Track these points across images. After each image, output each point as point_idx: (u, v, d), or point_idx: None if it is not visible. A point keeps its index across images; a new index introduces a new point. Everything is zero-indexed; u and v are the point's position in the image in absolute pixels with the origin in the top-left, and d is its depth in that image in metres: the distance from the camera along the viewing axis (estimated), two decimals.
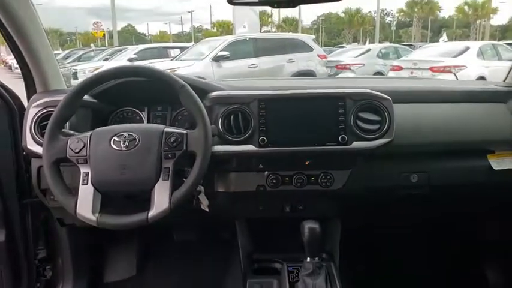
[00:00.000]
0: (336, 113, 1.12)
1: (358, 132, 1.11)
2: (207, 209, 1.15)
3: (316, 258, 1.08)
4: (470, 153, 1.20)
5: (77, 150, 0.96)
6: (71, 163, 0.97)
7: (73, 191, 0.97)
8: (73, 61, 12.85)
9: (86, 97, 1.10)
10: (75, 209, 0.94)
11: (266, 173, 1.17)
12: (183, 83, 1.00)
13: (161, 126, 1.01)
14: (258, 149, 1.11)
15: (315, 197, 1.21)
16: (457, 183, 1.20)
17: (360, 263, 1.39)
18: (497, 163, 1.19)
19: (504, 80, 1.34)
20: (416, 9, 45.04)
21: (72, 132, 1.03)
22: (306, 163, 1.17)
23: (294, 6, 0.90)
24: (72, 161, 0.97)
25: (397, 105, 1.14)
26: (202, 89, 1.14)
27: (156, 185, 0.96)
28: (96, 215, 0.94)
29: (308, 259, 1.08)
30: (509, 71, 1.32)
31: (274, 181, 1.17)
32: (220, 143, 1.11)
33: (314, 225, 1.07)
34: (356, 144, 1.11)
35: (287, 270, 1.17)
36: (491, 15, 41.69)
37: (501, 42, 10.15)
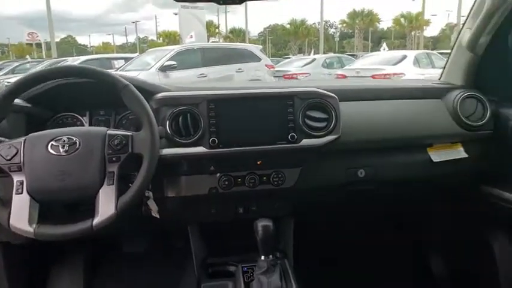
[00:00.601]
0: (285, 112, 1.13)
1: (307, 130, 1.13)
2: (157, 215, 1.11)
3: (271, 256, 1.07)
4: (412, 147, 1.26)
5: (8, 157, 0.89)
6: (3, 173, 0.90)
7: (6, 203, 0.89)
8: (6, 73, 12.04)
9: (18, 101, 1.03)
10: (8, 221, 0.87)
11: (218, 175, 1.16)
12: (126, 82, 0.97)
13: (104, 129, 0.96)
14: (208, 150, 1.09)
15: (267, 196, 1.21)
16: (401, 176, 1.26)
17: (314, 260, 1.40)
18: (436, 155, 1.26)
19: (439, 79, 1.43)
20: (357, 21, 47.33)
21: (2, 139, 0.95)
22: (258, 163, 1.17)
23: (240, 3, 0.90)
24: (3, 169, 0.89)
25: (342, 103, 1.18)
26: (147, 90, 1.10)
27: (100, 191, 0.91)
28: (34, 225, 0.87)
29: (262, 257, 1.07)
30: (443, 71, 1.41)
31: (226, 183, 1.15)
32: (168, 145, 1.08)
33: (267, 223, 1.06)
34: (305, 141, 1.13)
35: (242, 271, 1.15)
36: (424, 27, 44.76)
37: (434, 52, 10.92)
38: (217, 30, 50.72)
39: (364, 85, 1.39)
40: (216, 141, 1.09)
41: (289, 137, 1.12)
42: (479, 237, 1.33)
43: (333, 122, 1.14)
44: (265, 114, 1.12)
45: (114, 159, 0.93)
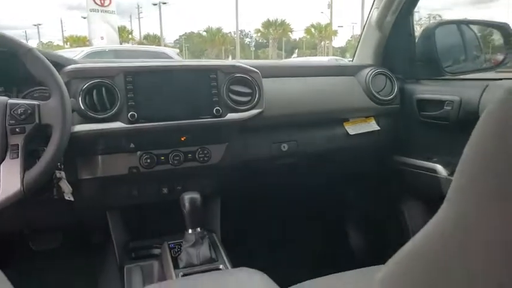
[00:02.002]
0: (208, 86, 1.11)
1: (231, 105, 1.12)
2: (71, 198, 1.01)
3: (198, 229, 1.03)
4: (330, 121, 1.32)
5: None
6: None
7: None
8: None
9: None
10: None
11: (139, 153, 1.09)
12: (30, 46, 0.87)
13: (4, 98, 0.85)
14: (127, 125, 1.02)
15: (193, 174, 1.18)
16: (321, 149, 1.31)
17: (242, 238, 1.39)
18: (352, 129, 1.33)
19: (351, 61, 1.52)
20: (271, 30, 49.04)
21: None
22: (182, 139, 1.13)
23: None
24: None
25: (265, 79, 1.19)
26: (56, 62, 1.00)
27: (1, 166, 0.80)
28: None
29: (190, 231, 1.03)
30: (355, 51, 1.50)
31: (148, 161, 1.09)
32: (81, 122, 0.99)
33: (194, 195, 1.03)
34: (230, 116, 1.12)
35: (169, 247, 1.09)
36: (333, 37, 47.99)
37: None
38: (130, 35, 48.90)
39: (285, 63, 1.43)
40: (136, 116, 1.03)
41: (214, 111, 1.10)
42: (393, 206, 1.43)
43: (257, 96, 1.15)
44: (188, 88, 1.09)
45: (18, 130, 0.83)
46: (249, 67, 1.17)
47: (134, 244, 1.18)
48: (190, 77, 1.10)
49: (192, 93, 1.09)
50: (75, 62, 1.06)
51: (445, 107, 1.19)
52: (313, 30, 47.79)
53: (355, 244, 1.58)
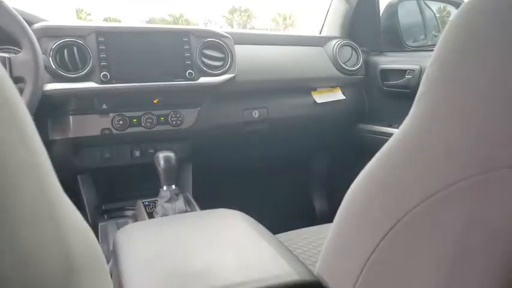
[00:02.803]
0: (181, 49, 1.12)
1: (204, 68, 1.14)
2: None
3: (173, 186, 1.05)
4: (299, 90, 1.37)
5: None
6: None
7: None
8: None
9: None
10: None
11: (111, 114, 1.09)
12: None
13: None
14: (99, 85, 1.02)
15: (165, 138, 1.19)
16: (291, 116, 1.36)
17: (213, 200, 1.42)
18: (319, 98, 1.39)
19: (320, 33, 1.57)
20: (236, 16, 48.58)
21: None
22: (155, 101, 1.14)
23: None
24: None
25: (237, 46, 1.21)
26: (24, 19, 0.98)
27: None
28: None
29: (165, 188, 1.05)
30: (323, 24, 1.55)
31: (121, 123, 1.09)
32: (53, 81, 0.98)
33: (169, 154, 1.05)
34: (203, 79, 1.14)
35: (143, 205, 1.11)
36: (297, 25, 48.23)
37: None
38: (89, 16, 46.85)
39: (256, 31, 1.46)
40: (108, 76, 1.02)
41: (186, 74, 1.11)
42: (357, 170, 1.51)
43: (229, 61, 1.17)
44: (160, 51, 1.10)
45: None
46: (221, 32, 1.19)
47: (107, 206, 1.18)
48: (163, 40, 1.11)
49: (165, 56, 1.10)
50: (44, 20, 1.04)
51: (406, 76, 1.27)
52: (278, 17, 47.87)
53: (320, 204, 1.65)
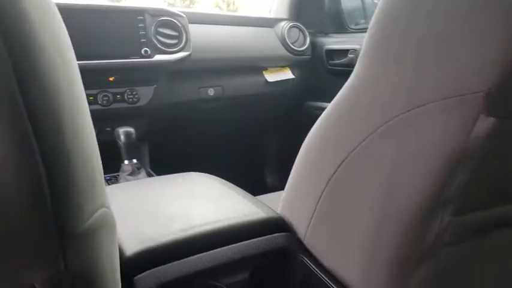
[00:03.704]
0: (136, 27, 1.14)
1: (159, 46, 1.17)
2: None
3: (134, 160, 1.09)
4: (252, 69, 1.44)
5: None
6: None
7: None
8: None
9: None
10: None
11: None
12: None
13: None
14: None
15: (122, 116, 1.21)
16: (244, 94, 1.42)
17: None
18: (270, 77, 1.47)
19: (269, 12, 1.64)
20: (178, 1, 47.34)
21: None
22: (111, 79, 1.15)
23: None
24: None
25: (192, 25, 1.25)
26: None
27: None
28: None
29: (126, 162, 1.07)
30: (271, 8, 1.62)
31: None
32: None
33: (129, 129, 1.07)
34: (158, 57, 1.17)
35: (105, 179, 1.13)
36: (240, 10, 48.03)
37: None
38: None
39: (209, 12, 1.50)
40: None
41: (142, 51, 1.14)
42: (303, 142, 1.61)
43: (184, 40, 1.21)
44: (116, 29, 1.11)
45: None
46: (175, 11, 1.22)
47: None
48: (119, 18, 1.12)
49: (120, 34, 1.11)
50: None
51: (349, 55, 1.38)
52: (221, 3, 47.32)
53: (271, 179, 1.75)
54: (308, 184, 0.54)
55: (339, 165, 0.48)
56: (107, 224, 0.34)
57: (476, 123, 0.39)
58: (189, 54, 1.22)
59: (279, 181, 1.69)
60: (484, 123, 0.39)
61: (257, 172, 1.74)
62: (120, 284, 0.36)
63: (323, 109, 1.56)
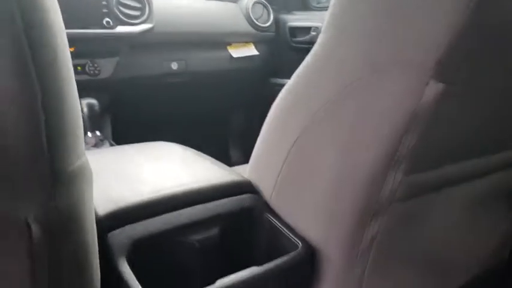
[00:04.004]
0: None
1: (122, 18, 1.14)
2: None
3: (97, 132, 1.07)
4: (216, 44, 1.44)
5: None
6: None
7: None
8: None
9: None
10: None
11: None
12: None
13: None
14: None
15: (83, 88, 1.18)
16: (209, 69, 1.43)
17: None
18: (235, 52, 1.48)
19: None
20: None
21: None
22: (71, 50, 1.11)
23: None
24: None
25: None
26: None
27: None
28: None
29: (90, 134, 1.06)
30: None
31: None
32: None
33: (92, 101, 1.06)
34: (121, 28, 1.14)
35: None
36: None
37: None
38: None
39: None
40: None
41: (104, 22, 1.11)
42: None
43: (147, 11, 1.19)
44: None
45: None
46: None
47: None
48: None
49: (81, 3, 1.08)
50: None
51: (311, 32, 1.42)
52: None
53: (235, 155, 1.78)
54: (274, 148, 0.57)
55: (303, 129, 0.51)
56: (87, 173, 0.36)
57: (426, 88, 0.43)
58: (152, 27, 1.21)
59: (243, 156, 1.73)
60: (433, 89, 0.43)
61: (221, 146, 1.76)
62: (95, 232, 0.38)
63: (282, 85, 1.60)
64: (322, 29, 0.51)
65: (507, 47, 0.46)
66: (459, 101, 0.47)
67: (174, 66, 1.35)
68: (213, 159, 0.68)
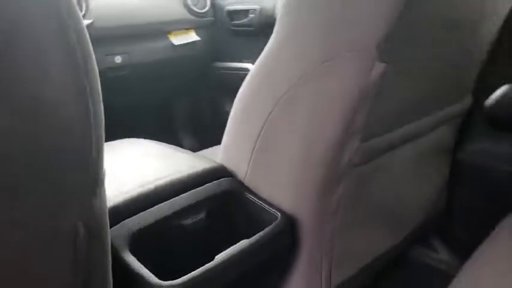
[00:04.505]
0: None
1: None
2: None
3: None
4: (157, 33, 1.43)
5: None
6: None
7: None
8: None
9: None
10: None
11: None
12: None
13: None
14: None
15: None
16: (152, 60, 1.42)
17: None
18: (176, 40, 1.48)
19: None
20: None
21: None
22: None
23: None
24: None
25: None
26: None
27: None
28: None
29: None
30: None
31: None
32: None
33: None
34: None
35: None
36: None
37: None
38: None
39: None
40: None
41: None
42: (215, 105, 1.69)
43: (84, 8, 1.16)
44: None
45: None
46: None
47: None
48: None
49: None
50: None
51: (249, 15, 1.46)
52: None
53: (187, 143, 1.81)
54: (244, 134, 0.62)
55: (270, 112, 0.57)
56: None
57: (372, 69, 0.51)
58: (92, 22, 1.18)
59: (197, 142, 1.76)
60: (378, 69, 0.51)
61: (172, 134, 1.78)
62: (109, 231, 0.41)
63: (231, 69, 1.64)
64: (279, 19, 0.57)
65: (430, 35, 0.55)
66: (398, 77, 0.56)
67: (118, 60, 1.33)
68: (181, 149, 0.72)
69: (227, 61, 1.60)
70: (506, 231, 0.72)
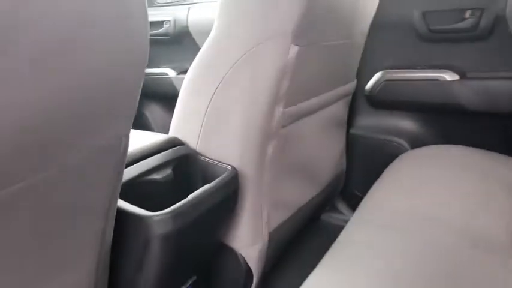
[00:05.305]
0: None
1: None
2: None
3: None
4: None
5: None
6: None
7: None
8: None
9: None
10: None
11: None
12: None
13: None
14: None
15: None
16: None
17: None
18: None
19: None
20: None
21: None
22: None
23: None
24: None
25: None
26: None
27: None
28: None
29: None
30: None
31: None
32: None
33: None
34: None
35: None
36: None
37: None
38: None
39: None
40: None
41: None
42: (141, 111, 1.77)
43: None
44: None
45: None
46: None
47: None
48: None
49: None
50: None
51: (164, 26, 1.60)
52: None
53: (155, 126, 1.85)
54: (193, 110, 0.77)
55: (216, 89, 0.73)
56: None
57: (289, 50, 0.71)
58: None
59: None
60: (293, 50, 0.71)
61: None
62: None
63: (154, 74, 1.74)
64: (218, 14, 0.74)
65: (333, 21, 0.77)
66: (310, 56, 0.77)
67: None
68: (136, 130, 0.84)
69: (151, 68, 1.70)
70: (389, 173, 0.99)
